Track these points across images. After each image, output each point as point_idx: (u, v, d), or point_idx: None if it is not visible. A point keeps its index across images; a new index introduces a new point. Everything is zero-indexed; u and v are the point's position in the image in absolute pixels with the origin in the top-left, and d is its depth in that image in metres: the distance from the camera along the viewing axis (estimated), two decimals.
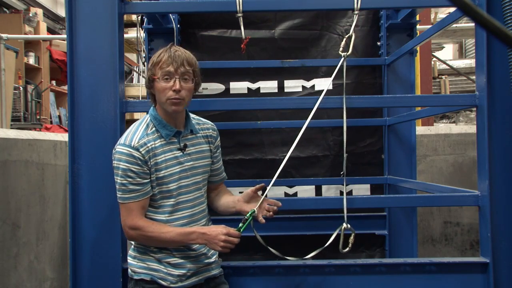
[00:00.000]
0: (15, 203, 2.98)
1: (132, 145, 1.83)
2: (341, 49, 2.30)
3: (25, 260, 3.10)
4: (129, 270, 1.98)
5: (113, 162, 1.87)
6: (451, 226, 4.42)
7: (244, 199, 2.00)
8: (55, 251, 3.55)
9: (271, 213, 1.95)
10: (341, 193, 3.61)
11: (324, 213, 3.39)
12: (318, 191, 3.64)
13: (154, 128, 1.90)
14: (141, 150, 1.83)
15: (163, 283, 1.91)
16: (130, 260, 1.97)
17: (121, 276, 2.18)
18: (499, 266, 2.20)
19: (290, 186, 3.66)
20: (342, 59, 2.28)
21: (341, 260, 2.27)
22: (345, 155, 2.32)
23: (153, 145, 1.86)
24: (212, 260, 2.01)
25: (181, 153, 1.92)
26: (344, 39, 2.31)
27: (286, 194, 3.64)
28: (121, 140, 1.88)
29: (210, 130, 2.06)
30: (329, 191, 3.63)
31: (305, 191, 3.62)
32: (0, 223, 2.82)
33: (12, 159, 2.95)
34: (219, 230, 1.84)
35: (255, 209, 1.94)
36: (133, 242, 1.97)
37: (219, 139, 2.09)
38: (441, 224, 4.42)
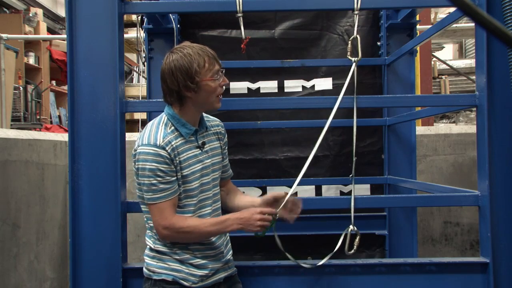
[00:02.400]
0: (15, 203, 2.98)
1: (158, 144, 1.81)
2: (348, 53, 2.30)
3: (25, 260, 3.10)
4: (145, 270, 1.95)
5: (137, 164, 1.84)
6: (451, 226, 4.42)
7: (266, 203, 1.99)
8: (55, 251, 3.55)
9: (295, 215, 2.01)
10: (341, 193, 3.61)
11: (323, 213, 3.38)
12: (318, 191, 3.63)
13: (173, 127, 1.88)
14: (167, 148, 1.82)
15: (185, 283, 1.89)
16: (148, 260, 1.95)
17: (121, 276, 2.18)
18: (499, 266, 2.20)
19: (290, 186, 3.65)
20: (354, 64, 2.28)
21: (341, 260, 2.26)
22: (354, 158, 2.32)
23: (175, 144, 1.85)
24: (229, 257, 2.02)
25: (200, 151, 1.92)
26: (350, 43, 2.31)
27: None
28: (143, 140, 1.84)
29: (219, 127, 2.07)
30: (329, 191, 3.63)
31: (305, 191, 3.62)
32: (0, 223, 2.82)
33: (12, 159, 2.95)
34: (252, 211, 1.84)
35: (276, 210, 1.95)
36: (150, 242, 1.95)
37: (226, 135, 2.11)
38: (441, 224, 4.42)
